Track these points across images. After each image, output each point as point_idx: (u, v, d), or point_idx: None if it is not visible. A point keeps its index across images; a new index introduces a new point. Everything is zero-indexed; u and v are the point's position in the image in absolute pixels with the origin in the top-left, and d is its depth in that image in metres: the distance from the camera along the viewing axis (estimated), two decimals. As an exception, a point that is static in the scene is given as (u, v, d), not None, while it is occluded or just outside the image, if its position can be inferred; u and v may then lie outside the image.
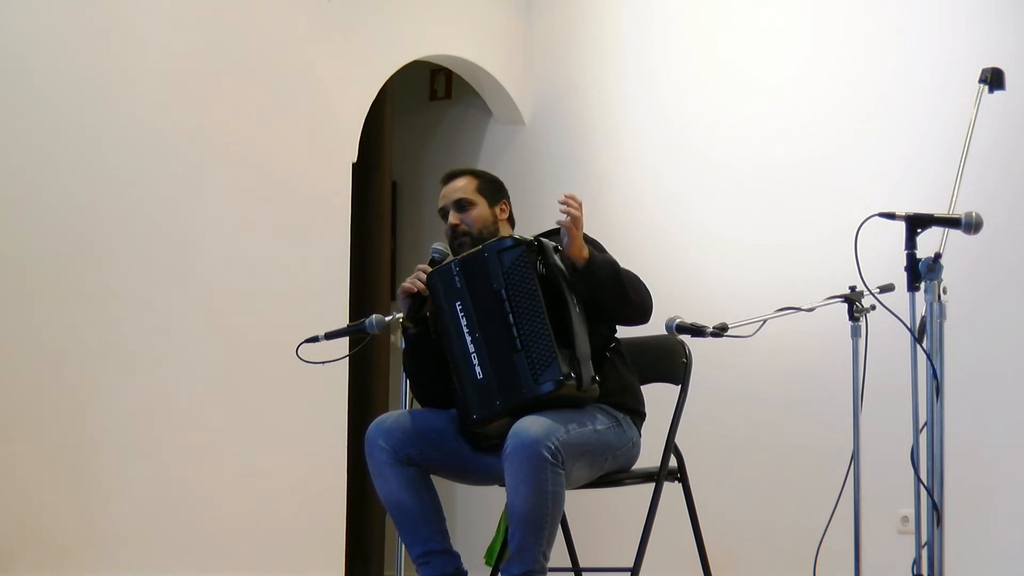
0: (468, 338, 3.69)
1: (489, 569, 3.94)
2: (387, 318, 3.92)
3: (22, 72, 5.02)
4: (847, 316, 4.29)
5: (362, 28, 6.08)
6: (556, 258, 3.70)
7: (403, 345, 3.93)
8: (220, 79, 5.57)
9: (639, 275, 3.82)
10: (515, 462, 3.52)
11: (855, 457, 4.25)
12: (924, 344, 3.37)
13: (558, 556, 3.76)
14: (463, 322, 3.70)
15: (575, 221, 3.66)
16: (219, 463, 5.43)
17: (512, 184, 4.22)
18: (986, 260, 5.31)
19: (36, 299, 5.00)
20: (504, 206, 3.96)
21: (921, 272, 3.29)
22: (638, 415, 3.92)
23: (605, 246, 3.93)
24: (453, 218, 3.90)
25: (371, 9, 6.12)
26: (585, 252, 3.69)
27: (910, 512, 4.68)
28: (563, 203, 3.66)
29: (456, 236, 3.89)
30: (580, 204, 3.67)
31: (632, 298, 3.74)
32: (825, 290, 4.32)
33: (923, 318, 3.38)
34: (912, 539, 3.50)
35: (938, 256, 3.31)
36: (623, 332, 3.96)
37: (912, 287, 3.31)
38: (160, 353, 5.30)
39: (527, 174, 6.64)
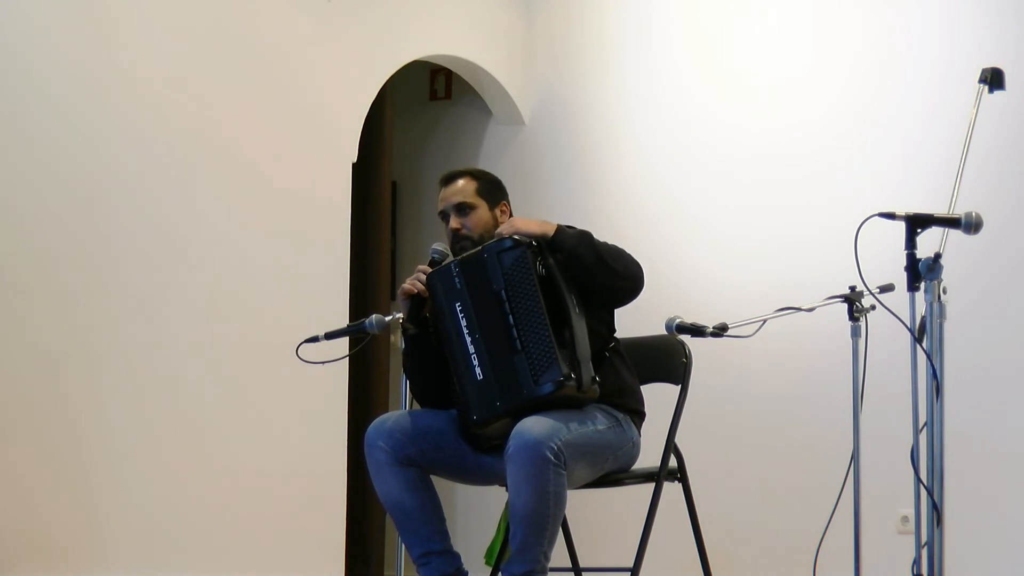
0: (468, 339, 3.68)
1: (489, 569, 3.94)
2: (387, 318, 3.92)
3: (22, 72, 5.02)
4: (847, 316, 4.29)
5: (362, 28, 6.08)
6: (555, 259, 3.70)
7: (403, 346, 3.93)
8: (220, 79, 5.57)
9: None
10: (518, 463, 3.51)
11: (855, 457, 4.25)
12: (924, 344, 3.37)
13: (558, 556, 3.76)
14: (463, 323, 3.70)
15: (509, 227, 3.72)
16: (219, 463, 5.43)
17: (512, 184, 4.22)
18: (986, 260, 5.31)
19: (36, 300, 5.00)
20: (504, 207, 3.95)
21: (921, 272, 3.29)
22: (638, 415, 3.91)
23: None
24: (454, 222, 3.89)
25: (371, 9, 6.12)
26: (546, 227, 3.71)
27: (910, 512, 4.67)
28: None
29: (457, 240, 3.88)
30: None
31: (613, 265, 3.70)
32: (825, 290, 4.32)
33: (923, 318, 3.38)
34: (912, 539, 3.50)
35: (938, 256, 3.31)
36: (623, 332, 3.96)
37: (912, 287, 3.31)
38: (159, 353, 5.30)
39: (527, 174, 6.64)
